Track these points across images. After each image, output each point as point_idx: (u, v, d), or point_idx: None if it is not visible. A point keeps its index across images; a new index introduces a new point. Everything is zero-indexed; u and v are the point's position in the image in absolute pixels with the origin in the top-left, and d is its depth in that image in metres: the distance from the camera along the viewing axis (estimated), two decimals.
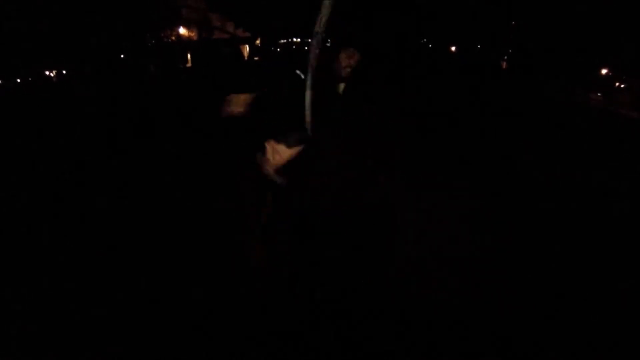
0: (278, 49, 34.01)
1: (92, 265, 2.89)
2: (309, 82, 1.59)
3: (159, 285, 2.62)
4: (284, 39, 36.32)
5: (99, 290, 2.60)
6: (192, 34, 27.30)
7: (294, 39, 36.38)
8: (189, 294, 2.53)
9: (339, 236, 1.83)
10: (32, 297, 2.56)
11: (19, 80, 17.47)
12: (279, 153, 1.63)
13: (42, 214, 3.88)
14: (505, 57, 28.31)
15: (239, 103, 1.83)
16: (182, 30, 26.29)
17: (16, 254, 3.12)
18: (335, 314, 2.34)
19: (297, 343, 2.15)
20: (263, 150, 1.64)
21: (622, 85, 18.65)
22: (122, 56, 21.02)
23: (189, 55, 26.86)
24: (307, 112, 1.64)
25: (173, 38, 25.51)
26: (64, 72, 19.38)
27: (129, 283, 2.67)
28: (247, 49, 31.53)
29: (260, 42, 32.94)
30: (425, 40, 33.33)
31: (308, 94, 1.60)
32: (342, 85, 1.73)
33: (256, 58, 30.02)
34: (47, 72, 19.09)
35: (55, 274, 2.82)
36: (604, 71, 19.33)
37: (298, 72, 3.25)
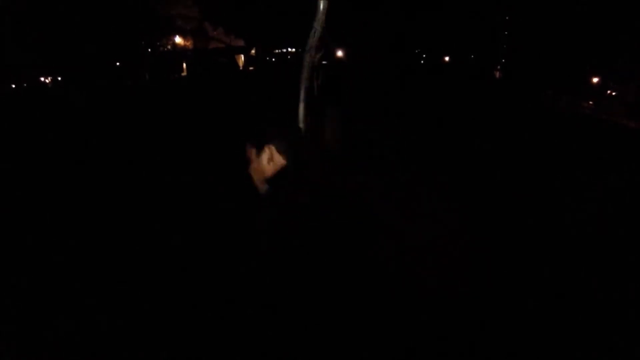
0: (273, 59, 34.27)
1: (91, 266, 2.84)
2: (304, 85, 1.41)
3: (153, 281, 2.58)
4: (278, 49, 36.60)
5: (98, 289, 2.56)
6: (188, 43, 27.40)
7: (289, 49, 36.69)
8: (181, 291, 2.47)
9: (324, 233, 1.79)
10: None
11: (13, 86, 17.43)
12: (273, 160, 1.45)
13: (39, 213, 3.83)
14: (499, 67, 28.71)
15: None
16: (178, 40, 26.39)
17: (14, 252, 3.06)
18: (322, 308, 2.32)
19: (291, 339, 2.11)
20: (258, 154, 1.45)
21: (613, 94, 18.96)
22: (117, 64, 21.02)
23: (184, 65, 26.93)
24: (301, 116, 1.44)
25: (169, 47, 25.58)
26: (59, 78, 19.35)
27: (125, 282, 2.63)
28: (242, 58, 31.67)
29: (255, 52, 33.13)
30: (418, 50, 33.78)
31: (302, 96, 1.42)
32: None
33: (251, 68, 30.18)
34: (42, 79, 19.06)
35: (57, 272, 2.77)
36: (595, 80, 19.64)
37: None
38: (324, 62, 3.74)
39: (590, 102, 19.68)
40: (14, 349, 2.08)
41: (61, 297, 2.49)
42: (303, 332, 2.06)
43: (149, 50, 23.40)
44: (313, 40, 1.26)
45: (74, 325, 2.25)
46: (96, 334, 2.18)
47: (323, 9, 1.25)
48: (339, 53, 22.54)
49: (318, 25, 1.23)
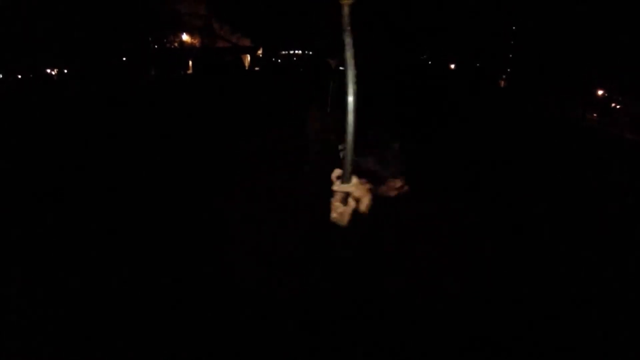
0: (279, 60, 34.33)
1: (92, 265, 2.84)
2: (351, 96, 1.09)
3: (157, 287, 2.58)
4: (285, 51, 36.69)
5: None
6: (195, 41, 27.48)
7: (295, 51, 36.75)
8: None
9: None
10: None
11: (19, 77, 17.50)
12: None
13: (39, 206, 3.83)
14: (504, 76, 28.72)
15: None
16: (185, 37, 26.47)
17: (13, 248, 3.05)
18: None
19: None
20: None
21: (618, 107, 18.94)
22: (124, 59, 21.09)
23: (190, 62, 26.99)
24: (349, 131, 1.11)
25: (175, 44, 25.64)
26: (65, 71, 19.43)
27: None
28: (248, 58, 31.75)
29: (262, 53, 33.21)
30: (425, 56, 33.81)
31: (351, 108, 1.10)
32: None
33: (257, 68, 30.22)
34: (48, 70, 19.13)
35: (58, 271, 2.76)
36: (600, 92, 19.62)
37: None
38: (341, 68, 3.74)
39: (595, 115, 19.69)
40: (14, 349, 2.08)
41: (63, 295, 2.49)
42: None
43: (156, 46, 23.47)
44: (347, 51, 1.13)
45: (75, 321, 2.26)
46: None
47: (347, 15, 1.18)
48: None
49: (346, 34, 1.14)
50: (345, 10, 1.12)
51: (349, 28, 1.12)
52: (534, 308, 2.51)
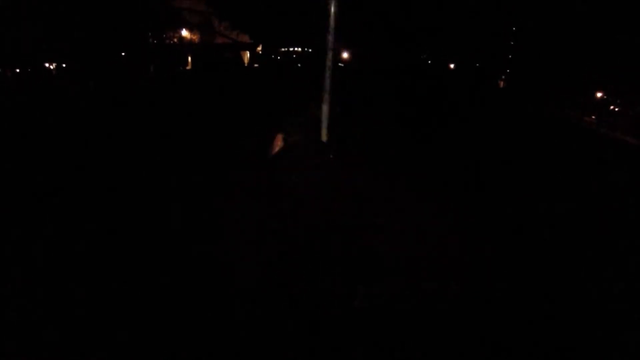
0: (278, 57, 34.22)
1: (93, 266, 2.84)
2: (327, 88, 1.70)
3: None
4: (284, 48, 36.56)
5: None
6: (195, 37, 27.38)
7: (295, 48, 36.64)
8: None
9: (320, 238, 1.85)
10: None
11: (17, 70, 17.42)
12: (279, 143, 2.08)
13: (39, 206, 3.82)
14: (503, 77, 28.77)
15: None
16: (185, 33, 26.36)
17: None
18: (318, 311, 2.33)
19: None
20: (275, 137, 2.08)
21: (617, 109, 18.96)
22: (122, 54, 21.01)
23: (189, 58, 26.92)
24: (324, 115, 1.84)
25: (175, 40, 25.54)
26: (64, 65, 19.36)
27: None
28: (248, 55, 31.69)
29: (262, 49, 33.13)
30: (424, 56, 33.76)
31: (326, 100, 1.71)
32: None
33: (256, 65, 30.18)
34: (47, 65, 19.05)
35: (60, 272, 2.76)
36: (599, 95, 19.63)
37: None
38: (340, 64, 3.79)
39: (593, 117, 19.71)
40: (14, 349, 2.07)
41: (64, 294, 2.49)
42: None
43: (155, 42, 23.38)
44: (329, 42, 1.33)
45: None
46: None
47: (334, 13, 1.26)
48: (345, 55, 22.47)
49: (331, 29, 1.26)
50: None
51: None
52: (534, 308, 2.52)
